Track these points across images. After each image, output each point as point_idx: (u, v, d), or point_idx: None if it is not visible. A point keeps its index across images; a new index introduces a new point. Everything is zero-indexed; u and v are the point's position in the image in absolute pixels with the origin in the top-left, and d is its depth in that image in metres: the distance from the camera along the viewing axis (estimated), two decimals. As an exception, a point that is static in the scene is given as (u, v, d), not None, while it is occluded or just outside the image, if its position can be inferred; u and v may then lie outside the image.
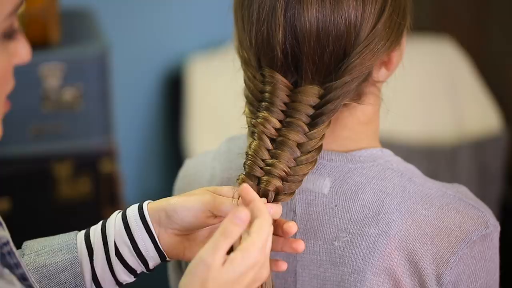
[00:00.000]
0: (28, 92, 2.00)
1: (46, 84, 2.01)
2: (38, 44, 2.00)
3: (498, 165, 2.53)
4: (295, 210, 0.99)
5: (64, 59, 2.01)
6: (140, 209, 0.95)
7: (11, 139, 2.02)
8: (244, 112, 0.97)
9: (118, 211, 0.98)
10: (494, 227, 0.96)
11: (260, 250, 0.85)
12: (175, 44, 2.57)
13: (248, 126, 0.95)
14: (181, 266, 1.12)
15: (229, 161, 1.05)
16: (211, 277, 0.82)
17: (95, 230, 0.97)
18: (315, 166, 0.98)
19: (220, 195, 0.94)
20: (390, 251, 0.94)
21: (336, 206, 0.97)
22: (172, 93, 2.56)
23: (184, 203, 0.93)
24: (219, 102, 2.43)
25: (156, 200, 0.97)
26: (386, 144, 1.03)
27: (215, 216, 0.94)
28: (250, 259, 0.84)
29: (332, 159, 0.98)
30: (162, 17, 2.53)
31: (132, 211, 0.96)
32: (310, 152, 0.93)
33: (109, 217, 0.98)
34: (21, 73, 1.96)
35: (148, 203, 0.96)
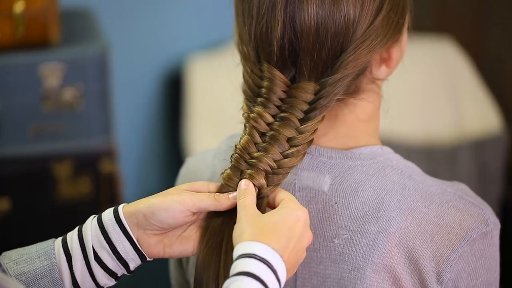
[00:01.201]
0: (28, 92, 1.99)
1: (46, 84, 2.01)
2: (38, 44, 2.00)
3: (498, 165, 2.53)
4: (295, 208, 0.99)
5: (64, 59, 2.01)
6: (116, 213, 0.96)
7: (11, 139, 2.02)
8: (242, 107, 0.97)
9: (93, 216, 0.98)
10: (494, 225, 0.96)
11: (299, 206, 0.91)
12: (175, 44, 2.57)
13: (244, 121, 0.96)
14: (182, 263, 1.13)
15: (229, 159, 1.05)
16: (252, 220, 0.89)
17: (72, 236, 0.97)
18: (316, 164, 0.98)
19: (196, 191, 0.95)
20: (390, 249, 0.94)
21: (336, 203, 0.97)
22: (172, 93, 2.56)
23: (162, 204, 0.93)
24: (219, 102, 2.43)
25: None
26: (386, 143, 1.03)
27: (194, 214, 0.94)
28: (290, 210, 0.91)
29: (332, 157, 0.98)
30: (162, 17, 2.53)
31: (107, 215, 0.96)
32: (299, 145, 0.93)
33: (124, 203, 0.99)
34: (21, 73, 1.98)
35: (123, 206, 0.97)
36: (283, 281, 0.87)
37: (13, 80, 1.97)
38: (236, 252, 0.87)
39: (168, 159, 2.61)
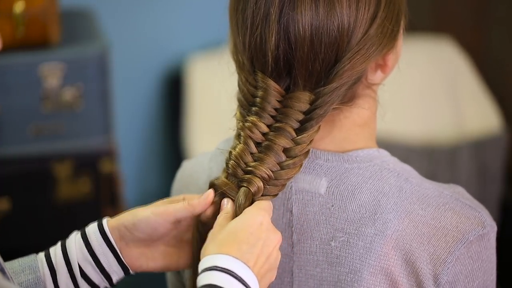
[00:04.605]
0: (28, 92, 2.00)
1: (46, 84, 2.01)
2: (38, 44, 2.00)
3: (498, 165, 2.53)
4: (291, 210, 0.99)
5: (64, 59, 2.01)
6: (100, 226, 0.98)
7: (11, 139, 2.02)
8: (235, 115, 0.98)
9: (77, 231, 1.00)
10: (491, 227, 0.96)
11: (259, 211, 0.91)
12: (175, 44, 2.57)
13: (237, 129, 0.96)
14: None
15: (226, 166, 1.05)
16: (214, 235, 0.90)
17: (55, 251, 0.98)
18: (313, 166, 0.98)
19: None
20: (386, 251, 0.94)
21: (332, 206, 0.97)
22: (172, 93, 2.56)
23: (142, 217, 0.96)
24: (219, 102, 2.42)
25: (154, 200, 0.99)
26: (386, 144, 1.04)
27: (173, 223, 0.96)
28: (250, 215, 0.91)
29: (328, 159, 0.98)
30: (162, 17, 2.53)
31: (92, 229, 0.98)
32: (296, 156, 0.94)
33: (108, 217, 1.00)
34: (21, 73, 1.98)
35: (108, 219, 0.99)
36: (254, 286, 0.87)
37: (13, 80, 1.97)
38: (199, 268, 0.88)
39: (168, 159, 2.62)
